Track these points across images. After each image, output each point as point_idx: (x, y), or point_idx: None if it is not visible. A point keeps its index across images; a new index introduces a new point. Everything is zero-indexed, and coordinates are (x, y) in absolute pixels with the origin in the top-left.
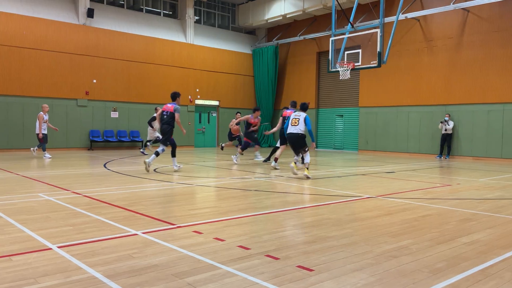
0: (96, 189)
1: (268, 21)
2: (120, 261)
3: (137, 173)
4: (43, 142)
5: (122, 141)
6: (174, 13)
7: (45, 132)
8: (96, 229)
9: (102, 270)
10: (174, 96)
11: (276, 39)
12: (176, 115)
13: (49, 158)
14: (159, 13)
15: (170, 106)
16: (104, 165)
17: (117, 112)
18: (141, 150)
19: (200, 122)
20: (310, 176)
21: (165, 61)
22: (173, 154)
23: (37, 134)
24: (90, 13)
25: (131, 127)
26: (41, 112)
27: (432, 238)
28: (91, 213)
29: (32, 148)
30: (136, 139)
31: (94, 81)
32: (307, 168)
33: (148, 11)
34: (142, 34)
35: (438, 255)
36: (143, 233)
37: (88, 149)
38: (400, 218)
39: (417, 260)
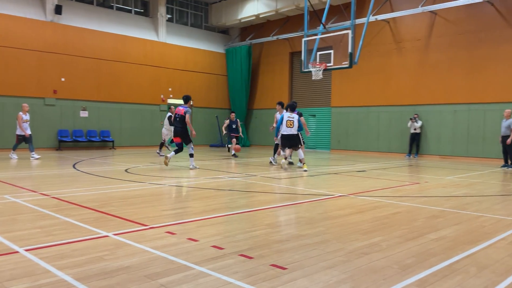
0: (65, 190)
1: (241, 20)
2: (91, 263)
3: (107, 173)
4: (18, 143)
5: (92, 141)
6: (145, 11)
7: (29, 131)
8: (65, 231)
9: (72, 273)
10: (186, 99)
11: (249, 39)
12: (186, 116)
13: (38, 157)
14: (130, 11)
15: (181, 109)
16: (73, 166)
17: (86, 112)
18: (158, 151)
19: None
20: (307, 170)
21: (137, 59)
22: (176, 152)
23: (17, 135)
24: (58, 10)
25: (101, 127)
26: (20, 112)
27: (401, 235)
28: (60, 215)
29: (13, 153)
30: (107, 139)
31: (63, 79)
32: (304, 163)
33: (118, 9)
34: (112, 32)
35: (407, 251)
36: (114, 234)
37: (57, 149)
38: (371, 216)
39: (387, 256)
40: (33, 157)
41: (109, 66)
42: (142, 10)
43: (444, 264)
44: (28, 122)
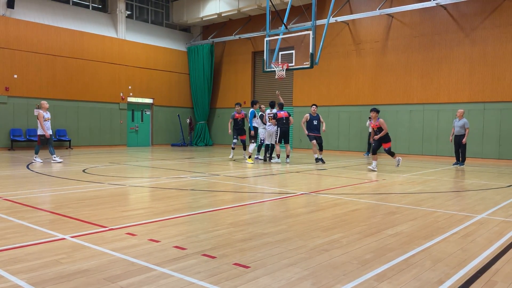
0: (18, 191)
1: (203, 19)
2: (46, 267)
3: (64, 174)
4: (45, 143)
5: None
6: (104, 6)
7: (50, 132)
8: (19, 234)
9: (26, 278)
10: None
11: (212, 38)
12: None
13: (61, 161)
14: (87, 6)
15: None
16: (27, 166)
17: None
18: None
19: (133, 120)
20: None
21: (95, 56)
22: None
23: (39, 136)
24: (10, 4)
25: (57, 126)
26: (40, 110)
27: (360, 231)
28: (12, 217)
29: (36, 157)
30: (63, 138)
31: (15, 76)
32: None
33: (75, 4)
34: (68, 28)
35: (366, 247)
36: (72, 237)
37: (9, 149)
38: (331, 213)
39: (347, 252)
40: (54, 160)
41: (65, 63)
42: (100, 6)
43: (401, 258)
44: (49, 121)
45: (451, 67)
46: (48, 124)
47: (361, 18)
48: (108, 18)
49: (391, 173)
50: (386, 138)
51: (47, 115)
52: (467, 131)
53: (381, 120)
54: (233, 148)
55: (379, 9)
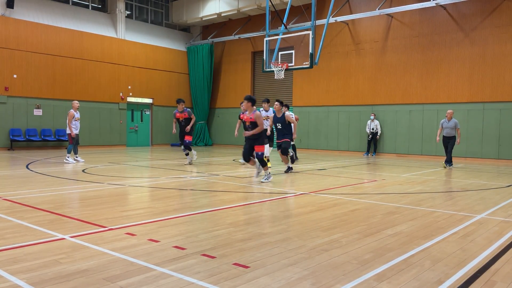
0: (17, 191)
1: (203, 19)
2: (46, 267)
3: (63, 174)
4: (72, 143)
5: (47, 140)
6: (103, 6)
7: (77, 131)
8: (18, 234)
9: (26, 278)
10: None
11: (211, 38)
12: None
13: (83, 161)
14: (87, 6)
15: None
16: (27, 166)
17: (40, 110)
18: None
19: (132, 120)
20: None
21: (94, 56)
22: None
23: (68, 135)
24: (10, 4)
25: (56, 126)
26: (71, 110)
27: (360, 231)
28: (12, 217)
29: (68, 157)
30: (63, 138)
31: (15, 76)
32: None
33: (75, 3)
34: (68, 28)
35: (365, 247)
36: (71, 237)
37: (8, 149)
38: (331, 213)
39: (346, 252)
40: (76, 159)
41: (64, 63)
42: (99, 6)
43: (401, 258)
44: (79, 121)
45: (451, 67)
46: (77, 124)
47: (361, 18)
48: (108, 18)
49: (391, 173)
50: (259, 139)
51: (77, 114)
52: (458, 131)
53: (257, 113)
54: (186, 154)
55: (378, 9)
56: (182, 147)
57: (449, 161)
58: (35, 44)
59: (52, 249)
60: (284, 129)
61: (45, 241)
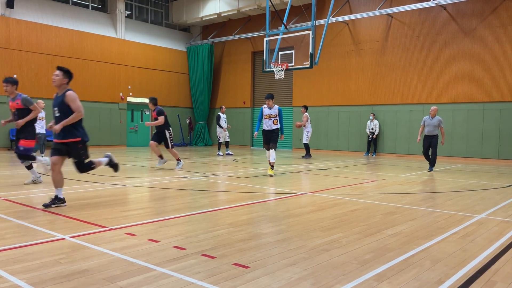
0: (17, 191)
1: (203, 19)
2: (46, 267)
3: (64, 174)
4: (38, 142)
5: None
6: (103, 6)
7: (42, 130)
8: (18, 234)
9: (26, 278)
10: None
11: (211, 37)
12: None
13: (46, 160)
14: (87, 6)
15: None
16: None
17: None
18: (219, 153)
19: (132, 120)
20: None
21: (94, 56)
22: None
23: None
24: (10, 3)
25: None
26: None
27: (360, 231)
28: (12, 217)
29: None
30: None
31: (15, 76)
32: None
33: (74, 4)
34: (68, 28)
35: (366, 247)
36: (71, 237)
37: (9, 149)
38: (331, 213)
39: (346, 252)
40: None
41: (64, 63)
42: (99, 6)
43: (401, 258)
44: (44, 120)
45: (451, 67)
46: (42, 123)
47: (361, 18)
48: (108, 18)
49: (391, 173)
50: (26, 131)
51: (43, 113)
52: (442, 130)
53: (26, 103)
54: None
55: (378, 9)
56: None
57: (433, 163)
58: (35, 44)
59: (52, 249)
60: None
61: (45, 241)
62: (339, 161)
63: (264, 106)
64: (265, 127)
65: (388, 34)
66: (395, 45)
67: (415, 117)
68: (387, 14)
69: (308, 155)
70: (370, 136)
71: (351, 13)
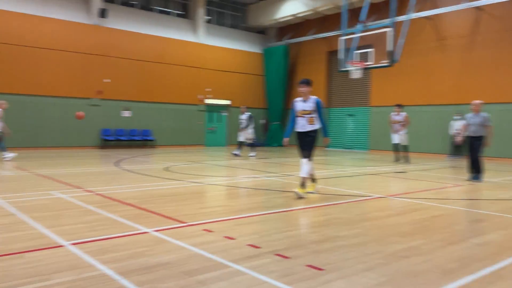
0: (107, 187)
1: (279, 20)
2: (132, 258)
3: (148, 171)
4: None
5: (134, 140)
6: (186, 13)
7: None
8: (108, 226)
9: (114, 267)
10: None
11: (287, 39)
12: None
13: (9, 157)
14: (171, 13)
15: None
16: (116, 164)
17: (129, 111)
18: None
19: (210, 121)
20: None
21: (177, 61)
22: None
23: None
24: (103, 13)
25: (142, 126)
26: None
27: (443, 239)
28: (103, 211)
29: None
30: (148, 138)
31: (108, 80)
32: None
33: (160, 11)
34: (154, 34)
35: (449, 255)
36: (154, 231)
37: (100, 148)
38: (411, 218)
39: (428, 260)
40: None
41: (150, 67)
42: (182, 13)
43: (489, 270)
44: (1, 119)
45: None
46: None
47: (445, 13)
48: (189, 23)
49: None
50: None
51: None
52: (489, 130)
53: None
54: None
55: (465, 2)
56: None
57: (477, 171)
58: (124, 50)
59: (137, 241)
60: None
61: (131, 234)
62: (420, 164)
63: (296, 99)
64: (298, 128)
65: (476, 28)
66: (484, 40)
67: (506, 118)
68: (475, 7)
69: (406, 158)
70: (454, 137)
71: (434, 7)
